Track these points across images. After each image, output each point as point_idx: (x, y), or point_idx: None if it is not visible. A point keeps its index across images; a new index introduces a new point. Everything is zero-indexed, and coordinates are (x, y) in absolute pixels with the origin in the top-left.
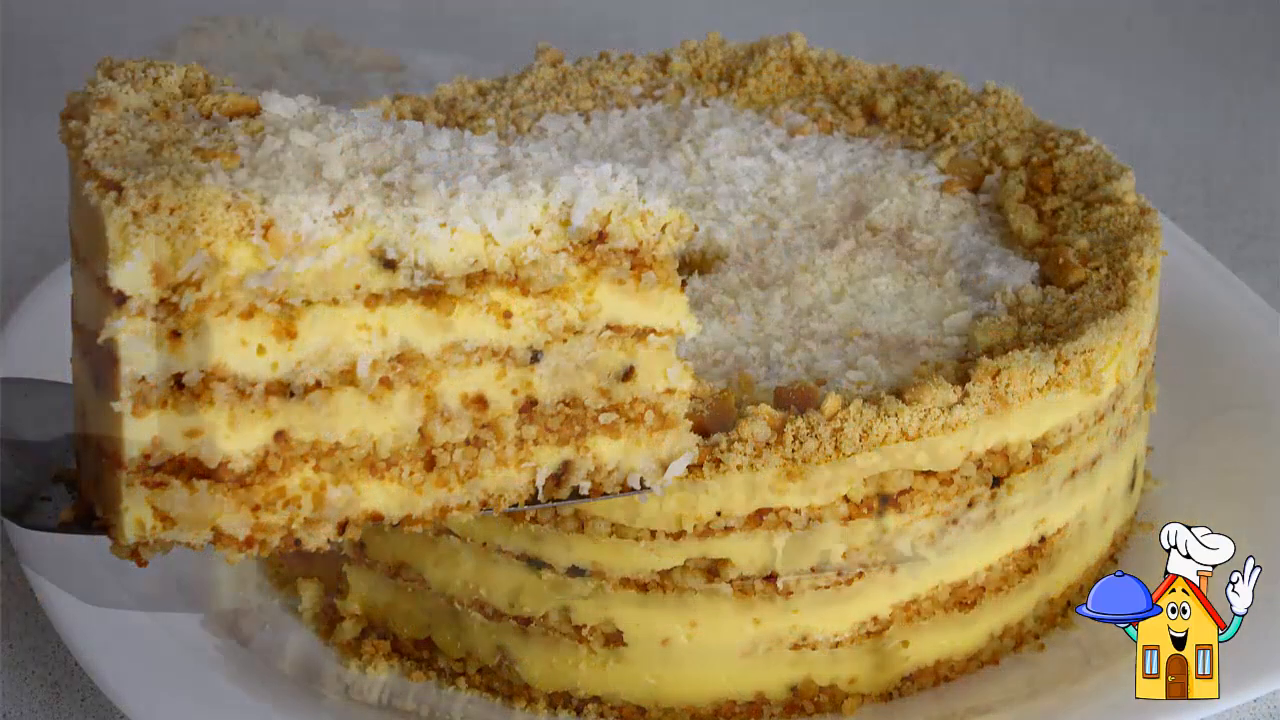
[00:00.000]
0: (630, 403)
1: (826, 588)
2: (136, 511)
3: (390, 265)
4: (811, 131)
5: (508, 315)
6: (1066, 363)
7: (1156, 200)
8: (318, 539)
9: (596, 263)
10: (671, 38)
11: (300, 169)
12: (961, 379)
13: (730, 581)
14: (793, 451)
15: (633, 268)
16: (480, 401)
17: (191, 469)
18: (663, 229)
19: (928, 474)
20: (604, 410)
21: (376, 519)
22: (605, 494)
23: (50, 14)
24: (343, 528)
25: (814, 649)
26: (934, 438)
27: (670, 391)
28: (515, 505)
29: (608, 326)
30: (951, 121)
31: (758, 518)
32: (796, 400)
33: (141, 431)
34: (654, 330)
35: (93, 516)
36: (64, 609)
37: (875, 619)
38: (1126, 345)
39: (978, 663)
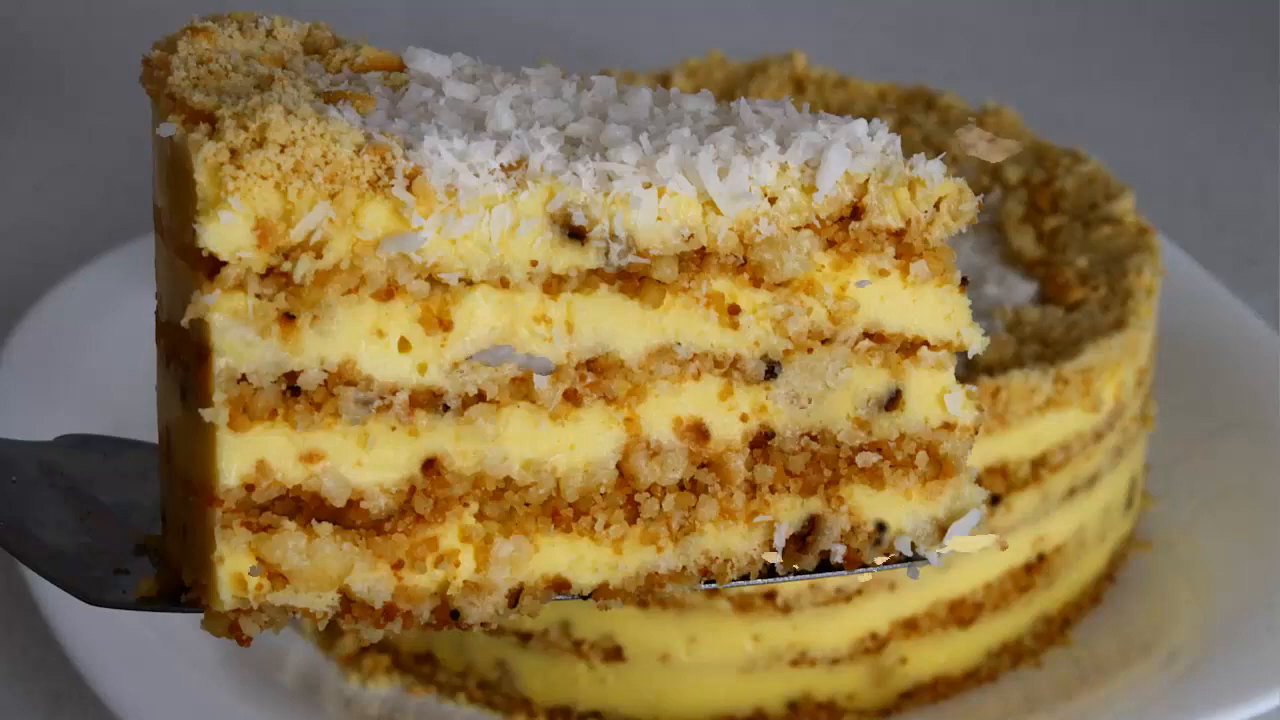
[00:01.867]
0: (897, 440)
1: (826, 604)
2: (235, 564)
3: (577, 236)
4: None
5: (734, 312)
6: (1065, 381)
7: (1156, 220)
8: (481, 611)
9: (850, 247)
10: (673, 56)
11: (457, 119)
12: None
13: (730, 597)
14: None
15: (898, 255)
16: (699, 430)
17: (310, 508)
18: (937, 205)
19: None
20: (862, 449)
21: (560, 587)
22: (865, 565)
23: (47, 17)
24: (515, 597)
25: (813, 664)
26: None
27: (949, 427)
28: (746, 577)
29: (866, 334)
30: (951, 141)
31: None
32: None
33: (242, 452)
34: (926, 342)
35: (182, 588)
36: (67, 621)
37: (874, 635)
38: (1125, 364)
39: (975, 679)
